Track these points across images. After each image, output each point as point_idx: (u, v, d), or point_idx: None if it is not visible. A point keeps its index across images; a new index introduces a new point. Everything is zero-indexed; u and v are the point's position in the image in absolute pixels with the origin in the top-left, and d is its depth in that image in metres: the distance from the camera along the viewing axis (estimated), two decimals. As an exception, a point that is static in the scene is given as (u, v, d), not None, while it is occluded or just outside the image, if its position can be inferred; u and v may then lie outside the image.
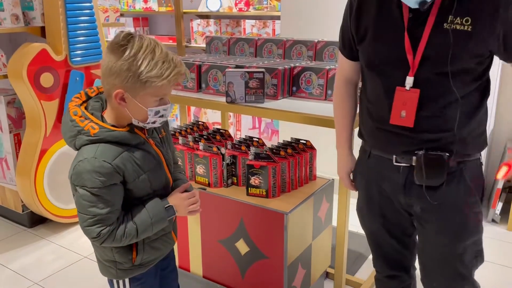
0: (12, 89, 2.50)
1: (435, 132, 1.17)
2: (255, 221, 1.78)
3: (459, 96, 1.13)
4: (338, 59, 1.40)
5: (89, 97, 1.29)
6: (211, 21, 3.92)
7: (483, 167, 1.30)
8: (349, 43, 1.30)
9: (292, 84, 1.97)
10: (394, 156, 1.23)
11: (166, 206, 1.28)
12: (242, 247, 1.83)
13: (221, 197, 1.85)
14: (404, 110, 1.16)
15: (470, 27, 1.07)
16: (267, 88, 1.91)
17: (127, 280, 1.36)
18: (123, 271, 1.33)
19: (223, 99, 1.91)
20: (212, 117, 4.09)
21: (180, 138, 2.07)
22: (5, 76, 2.47)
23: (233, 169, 1.95)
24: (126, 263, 1.31)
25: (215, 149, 1.91)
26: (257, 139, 2.06)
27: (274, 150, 1.90)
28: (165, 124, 1.38)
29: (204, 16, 4.00)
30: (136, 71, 1.12)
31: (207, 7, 3.78)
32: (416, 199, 1.24)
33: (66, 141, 1.26)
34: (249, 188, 1.83)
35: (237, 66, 1.94)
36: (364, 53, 1.25)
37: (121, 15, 3.54)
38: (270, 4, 3.58)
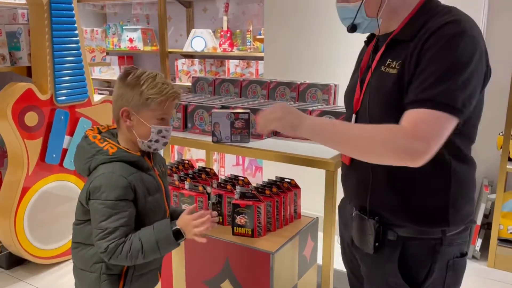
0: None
1: (364, 184, 1.11)
2: (241, 261, 1.78)
3: None
4: None
5: (100, 132, 1.44)
6: (196, 60, 4.01)
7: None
8: None
9: (276, 124, 2.02)
10: (347, 207, 1.27)
11: (173, 228, 1.32)
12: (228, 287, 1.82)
13: (206, 237, 1.85)
14: None
15: (397, 69, 1.03)
16: (252, 128, 1.96)
17: None
18: None
19: (208, 138, 1.94)
20: (195, 154, 4.11)
21: (165, 177, 2.08)
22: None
23: (218, 208, 1.96)
24: None
25: (201, 188, 1.93)
26: (243, 178, 2.08)
27: (259, 189, 1.92)
28: (164, 161, 1.54)
29: (189, 56, 4.09)
30: (139, 90, 1.32)
31: (191, 47, 3.88)
32: (359, 257, 1.23)
33: (78, 166, 1.39)
34: (235, 228, 1.84)
35: (222, 107, 1.99)
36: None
37: (106, 53, 3.60)
38: (254, 45, 3.70)
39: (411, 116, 0.97)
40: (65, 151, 2.63)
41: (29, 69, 2.56)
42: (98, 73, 4.54)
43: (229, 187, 1.96)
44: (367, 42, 1.26)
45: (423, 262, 1.08)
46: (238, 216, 1.82)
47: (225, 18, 3.81)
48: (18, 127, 2.40)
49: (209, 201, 1.92)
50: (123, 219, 1.28)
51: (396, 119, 1.00)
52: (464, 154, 1.08)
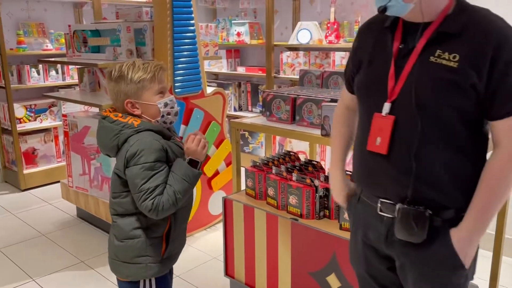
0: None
1: (410, 175, 1.10)
2: (348, 256, 1.76)
3: (441, 139, 1.08)
4: (341, 92, 1.45)
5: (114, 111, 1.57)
6: (301, 53, 4.02)
7: None
8: (349, 77, 1.34)
9: (388, 119, 1.95)
10: (378, 205, 1.19)
11: (186, 160, 1.47)
12: (333, 282, 1.82)
13: (313, 229, 1.87)
14: (379, 136, 1.14)
15: (457, 64, 1.05)
16: (363, 122, 1.92)
17: (153, 280, 1.52)
18: (152, 267, 1.48)
19: (316, 131, 1.94)
20: (296, 146, 4.15)
21: (273, 167, 2.14)
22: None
23: (325, 202, 1.96)
24: (157, 257, 1.48)
25: (308, 180, 1.94)
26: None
27: (368, 185, 1.88)
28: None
29: (294, 49, 4.12)
30: (128, 79, 1.45)
31: (297, 39, 3.90)
32: (396, 253, 1.19)
33: (105, 146, 1.50)
34: (343, 223, 1.83)
35: (332, 100, 1.98)
36: (357, 80, 1.27)
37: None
38: (361, 36, 3.60)
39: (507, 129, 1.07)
40: (180, 139, 2.83)
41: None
42: (208, 66, 4.80)
43: (337, 181, 1.94)
44: (391, 29, 1.18)
45: None
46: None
47: (332, 9, 3.75)
48: (142, 115, 2.65)
49: (317, 194, 1.93)
50: (161, 177, 1.41)
51: (452, 108, 1.06)
52: None
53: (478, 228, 1.10)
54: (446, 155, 1.09)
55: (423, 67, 1.09)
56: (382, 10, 1.11)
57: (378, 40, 1.21)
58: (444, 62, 1.07)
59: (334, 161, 1.44)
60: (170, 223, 1.51)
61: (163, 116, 1.50)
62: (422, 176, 1.10)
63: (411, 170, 1.10)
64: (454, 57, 1.06)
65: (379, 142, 1.15)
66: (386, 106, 1.14)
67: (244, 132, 4.53)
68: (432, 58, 1.08)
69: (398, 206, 1.13)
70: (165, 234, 1.51)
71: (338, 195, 1.42)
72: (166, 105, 1.50)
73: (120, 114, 1.49)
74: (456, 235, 1.10)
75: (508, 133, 1.06)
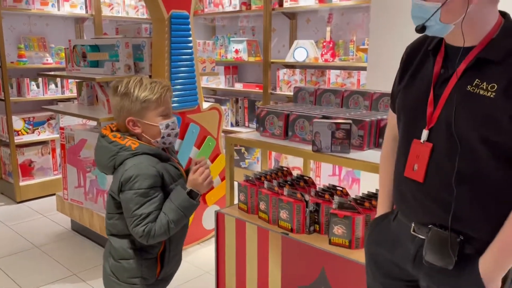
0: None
1: (443, 203, 1.09)
2: (337, 271, 1.78)
3: (477, 170, 1.05)
4: (388, 115, 1.41)
5: (112, 131, 1.53)
6: (297, 70, 4.09)
7: None
8: (394, 95, 1.30)
9: (378, 135, 1.99)
10: (412, 225, 1.18)
11: (186, 191, 1.45)
12: (322, 296, 1.83)
13: (303, 244, 1.88)
14: (417, 163, 1.13)
15: (494, 93, 1.01)
16: (353, 138, 1.95)
17: None
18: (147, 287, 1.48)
19: (308, 147, 1.98)
20: (292, 162, 4.18)
21: (265, 182, 2.16)
22: (111, 118, 2.79)
23: (316, 217, 1.98)
24: (151, 278, 1.48)
25: (299, 195, 1.97)
26: (341, 189, 2.08)
27: (358, 201, 1.91)
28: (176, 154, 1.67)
29: (290, 66, 4.19)
30: (133, 97, 1.43)
31: (294, 57, 3.97)
32: (423, 274, 1.17)
33: (102, 165, 1.49)
34: (332, 237, 1.85)
35: (324, 117, 2.02)
36: (398, 101, 1.25)
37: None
38: (356, 55, 3.67)
39: None
40: (176, 152, 2.87)
41: (150, 77, 2.86)
42: (205, 81, 4.87)
43: (327, 196, 1.97)
44: (433, 52, 1.16)
45: None
46: (336, 226, 1.83)
47: (328, 28, 3.83)
48: (138, 129, 2.69)
49: (307, 209, 1.95)
50: (155, 204, 1.40)
51: (489, 142, 1.02)
52: None
53: (501, 263, 1.07)
54: (480, 188, 1.06)
55: (460, 96, 1.06)
56: (420, 29, 1.08)
57: (421, 62, 1.20)
58: (481, 92, 1.03)
59: (381, 199, 1.40)
60: (165, 244, 1.51)
61: (163, 137, 1.49)
62: (454, 208, 1.08)
63: (444, 201, 1.09)
64: (492, 87, 1.01)
65: (416, 169, 1.14)
66: (424, 133, 1.12)
67: (240, 148, 4.56)
68: (469, 88, 1.05)
69: (434, 229, 1.12)
70: (159, 255, 1.51)
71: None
72: (167, 126, 1.48)
73: (118, 135, 1.47)
74: (481, 265, 1.07)
75: None
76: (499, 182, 1.06)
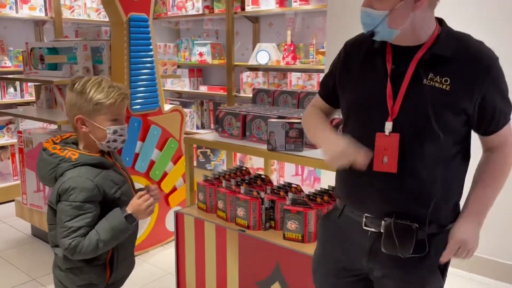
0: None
1: (414, 190, 1.18)
2: (290, 264, 1.84)
3: (438, 156, 1.17)
4: (314, 99, 1.46)
5: (55, 143, 1.51)
6: (260, 73, 4.16)
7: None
8: (329, 87, 1.38)
9: (330, 134, 2.07)
10: (363, 220, 1.24)
11: (124, 214, 1.42)
12: (277, 289, 1.89)
13: (258, 240, 1.94)
14: (386, 155, 1.18)
15: (448, 86, 1.14)
16: (306, 137, 2.03)
17: None
18: None
19: (264, 146, 2.04)
20: (256, 163, 4.24)
21: (223, 181, 2.21)
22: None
23: (271, 213, 2.04)
24: (102, 283, 1.48)
25: (255, 193, 2.03)
26: (296, 186, 2.15)
27: (311, 197, 1.98)
28: (121, 158, 1.67)
29: (254, 69, 4.25)
30: (87, 97, 1.43)
31: (256, 60, 4.04)
32: (380, 265, 1.25)
33: (43, 178, 1.47)
34: (286, 232, 1.91)
35: (279, 117, 2.09)
36: (345, 98, 1.31)
37: (178, 66, 3.87)
38: (316, 58, 3.77)
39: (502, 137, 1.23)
40: (137, 155, 2.88)
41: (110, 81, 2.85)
42: (170, 84, 4.87)
43: (282, 193, 2.04)
44: (381, 51, 1.23)
45: (442, 250, 1.23)
46: (289, 222, 1.90)
47: (289, 32, 3.92)
48: (98, 132, 2.68)
49: (263, 206, 2.01)
50: (87, 219, 1.37)
51: (448, 128, 1.16)
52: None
53: (481, 219, 1.24)
54: (441, 172, 1.19)
55: (418, 89, 1.16)
56: (370, 35, 1.18)
57: (367, 61, 1.26)
58: (436, 85, 1.15)
59: (325, 131, 1.32)
60: (113, 250, 1.49)
61: (108, 141, 1.47)
62: (416, 192, 1.18)
63: (415, 188, 1.18)
64: (445, 81, 1.14)
65: (386, 161, 1.17)
66: (388, 125, 1.18)
67: (206, 150, 4.59)
68: (425, 81, 1.16)
69: (384, 220, 1.19)
70: (108, 260, 1.49)
71: (335, 148, 1.21)
72: (115, 132, 1.47)
73: (58, 147, 1.45)
74: (461, 228, 1.22)
75: (502, 141, 1.22)
76: (455, 164, 1.21)
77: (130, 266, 1.62)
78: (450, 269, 1.31)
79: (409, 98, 1.17)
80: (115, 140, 1.48)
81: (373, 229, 1.23)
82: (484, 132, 1.22)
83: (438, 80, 1.15)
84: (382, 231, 1.20)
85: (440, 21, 1.23)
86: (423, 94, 1.16)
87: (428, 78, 1.16)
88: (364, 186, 1.24)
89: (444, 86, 1.14)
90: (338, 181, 1.36)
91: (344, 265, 1.32)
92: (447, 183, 1.20)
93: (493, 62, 1.16)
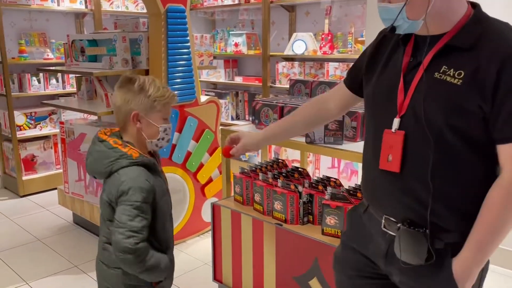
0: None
1: (419, 194, 1.07)
2: (329, 260, 1.80)
3: (445, 159, 1.04)
4: (335, 87, 1.42)
5: (109, 136, 1.52)
6: (296, 63, 4.09)
7: None
8: (356, 75, 1.31)
9: (371, 127, 2.00)
10: (382, 221, 1.17)
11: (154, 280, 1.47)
12: (315, 286, 1.85)
13: (296, 234, 1.91)
14: (391, 153, 1.10)
15: (460, 81, 1.01)
16: (346, 130, 1.97)
17: None
18: None
19: (303, 139, 2.00)
20: (291, 155, 4.19)
21: (260, 174, 2.19)
22: (110, 113, 2.81)
23: (309, 208, 2.00)
24: (148, 285, 1.49)
25: (292, 186, 1.99)
26: (335, 179, 2.10)
27: (351, 192, 1.92)
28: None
29: (290, 59, 4.19)
30: (147, 93, 1.47)
31: (292, 50, 3.97)
32: (398, 271, 1.16)
33: (96, 169, 1.48)
34: (325, 228, 1.87)
35: (318, 109, 2.03)
36: (366, 89, 1.25)
37: (214, 57, 3.85)
38: (355, 47, 3.66)
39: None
40: (174, 146, 2.90)
41: (147, 72, 2.88)
42: (206, 75, 4.88)
43: (320, 187, 1.99)
44: (403, 41, 1.16)
45: None
46: (328, 217, 1.85)
47: (326, 21, 3.83)
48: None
49: (300, 200, 1.97)
50: (146, 220, 1.39)
51: (457, 128, 1.02)
52: None
53: (477, 260, 1.06)
54: (454, 179, 1.05)
55: (428, 83, 1.06)
56: (391, 30, 1.09)
57: (392, 51, 1.19)
58: (448, 79, 1.03)
59: (269, 127, 1.52)
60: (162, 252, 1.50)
61: (158, 139, 1.51)
62: (419, 197, 1.08)
63: (420, 192, 1.07)
64: (459, 74, 1.02)
65: (390, 159, 1.11)
66: (396, 122, 1.11)
67: (240, 141, 4.58)
68: (437, 74, 1.05)
69: (399, 225, 1.11)
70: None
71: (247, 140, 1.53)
72: (165, 130, 1.52)
73: (119, 142, 1.46)
74: (457, 264, 1.06)
75: (509, 159, 1.00)
76: (472, 171, 1.05)
77: (174, 267, 1.62)
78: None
79: (418, 94, 1.07)
80: (163, 138, 1.54)
81: (390, 232, 1.15)
82: (496, 138, 1.02)
83: (451, 74, 1.03)
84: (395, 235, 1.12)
85: (474, 5, 1.10)
86: (431, 89, 1.05)
87: (441, 71, 1.05)
88: (376, 184, 1.19)
89: (456, 81, 1.02)
90: (362, 178, 1.31)
91: (367, 263, 1.25)
92: (460, 191, 1.06)
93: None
